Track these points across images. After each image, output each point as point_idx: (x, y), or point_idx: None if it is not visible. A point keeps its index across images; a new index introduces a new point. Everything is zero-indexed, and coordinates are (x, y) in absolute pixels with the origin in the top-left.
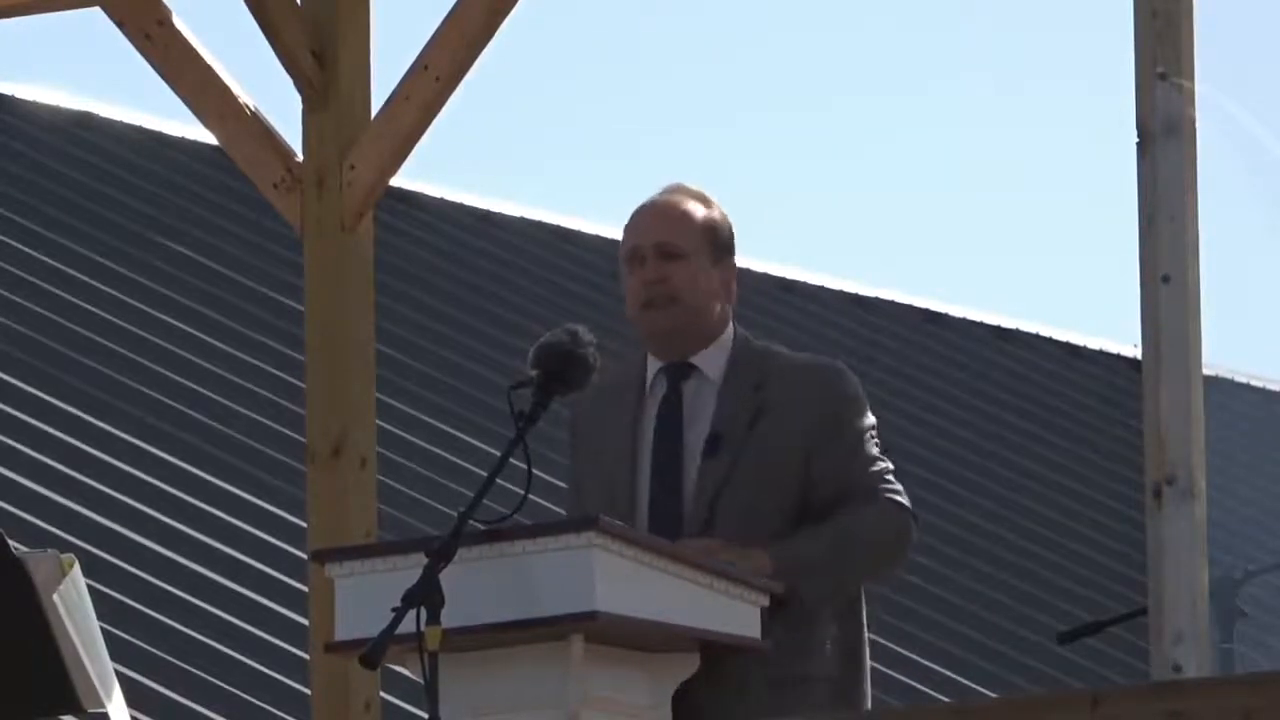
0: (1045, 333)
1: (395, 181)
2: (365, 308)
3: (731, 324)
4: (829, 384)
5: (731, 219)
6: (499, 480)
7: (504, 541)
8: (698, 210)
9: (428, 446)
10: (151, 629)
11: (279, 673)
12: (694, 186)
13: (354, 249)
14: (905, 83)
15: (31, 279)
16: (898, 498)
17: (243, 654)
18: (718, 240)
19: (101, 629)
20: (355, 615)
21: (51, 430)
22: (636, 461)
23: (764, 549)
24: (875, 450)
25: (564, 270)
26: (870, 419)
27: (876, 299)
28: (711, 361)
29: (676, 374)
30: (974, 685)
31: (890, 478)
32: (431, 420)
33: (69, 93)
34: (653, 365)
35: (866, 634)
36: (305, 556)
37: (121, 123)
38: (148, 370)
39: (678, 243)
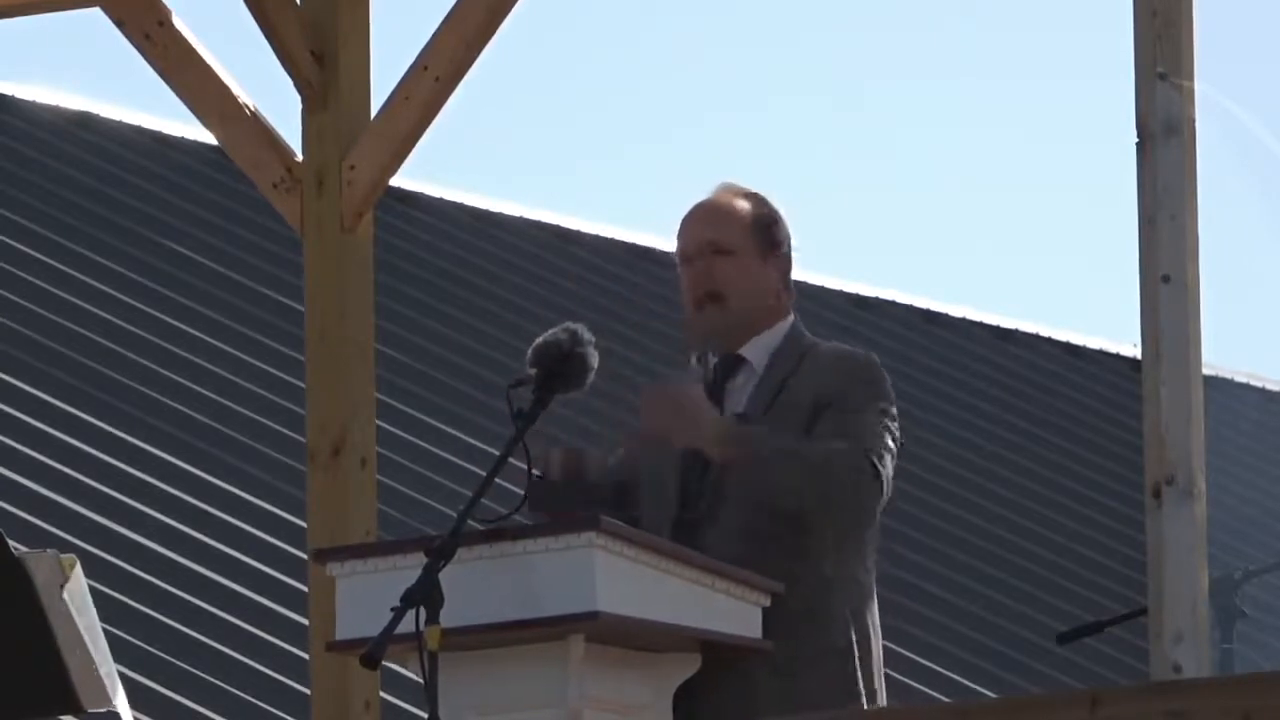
0: (1045, 333)
1: (395, 181)
2: (365, 308)
3: (791, 317)
4: (849, 364)
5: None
6: (499, 480)
7: (504, 541)
8: (743, 206)
9: (428, 446)
10: (151, 629)
11: (279, 673)
12: (743, 185)
13: (354, 249)
14: (905, 83)
15: (31, 279)
16: (875, 459)
17: (243, 654)
18: (765, 234)
19: (102, 629)
20: (356, 614)
21: (51, 430)
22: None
23: (728, 420)
24: (882, 429)
25: (564, 270)
26: (887, 404)
27: (876, 299)
28: (759, 353)
29: (727, 367)
30: (974, 685)
31: (885, 454)
32: (431, 420)
33: (69, 93)
34: (712, 359)
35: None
36: (305, 556)
37: (121, 123)
38: (148, 370)
39: (722, 239)
